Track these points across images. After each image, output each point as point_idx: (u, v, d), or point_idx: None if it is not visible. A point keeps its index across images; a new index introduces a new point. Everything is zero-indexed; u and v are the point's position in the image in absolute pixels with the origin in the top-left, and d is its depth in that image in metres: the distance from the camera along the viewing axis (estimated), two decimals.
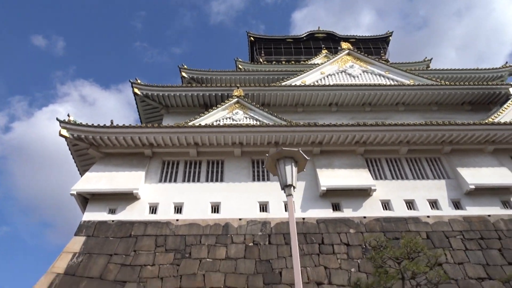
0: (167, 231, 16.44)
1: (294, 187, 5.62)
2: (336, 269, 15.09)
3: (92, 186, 17.49)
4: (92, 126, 18.52)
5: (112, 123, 18.62)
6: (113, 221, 16.85)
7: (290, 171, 5.52)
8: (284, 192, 5.72)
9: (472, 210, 17.61)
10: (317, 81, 26.13)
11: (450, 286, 14.62)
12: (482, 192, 18.12)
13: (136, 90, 24.33)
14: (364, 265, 15.26)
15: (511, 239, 16.45)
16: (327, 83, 25.56)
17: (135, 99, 25.21)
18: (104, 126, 18.47)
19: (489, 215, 17.42)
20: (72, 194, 17.21)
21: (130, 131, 18.43)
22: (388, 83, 25.59)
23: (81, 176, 19.40)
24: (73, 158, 19.89)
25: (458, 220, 17.19)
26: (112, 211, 17.34)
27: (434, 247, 16.06)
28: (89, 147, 18.98)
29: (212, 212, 17.44)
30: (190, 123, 20.04)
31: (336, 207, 17.75)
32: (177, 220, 16.95)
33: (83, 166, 20.15)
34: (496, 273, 15.10)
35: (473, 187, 17.80)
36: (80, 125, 18.58)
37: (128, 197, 17.55)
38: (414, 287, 8.32)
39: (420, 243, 8.64)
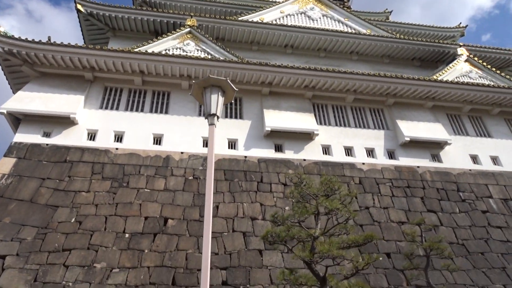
0: (105, 159, 16.03)
1: (218, 117, 5.48)
2: (271, 206, 15.71)
3: (25, 106, 16.35)
4: (26, 41, 16.89)
5: (49, 39, 17.08)
6: (47, 144, 16.08)
7: (216, 100, 5.35)
8: (207, 121, 5.58)
9: (404, 161, 18.74)
10: (276, 20, 25.33)
11: (373, 227, 15.83)
12: (415, 145, 19.22)
13: (79, 7, 22.27)
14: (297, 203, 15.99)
15: (433, 189, 17.87)
16: (286, 23, 24.88)
17: (78, 17, 23.16)
18: (40, 42, 16.92)
19: (418, 166, 18.65)
20: (1, 113, 16.04)
21: (69, 50, 17.07)
22: (346, 30, 25.40)
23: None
24: (5, 74, 18.30)
25: (389, 169, 18.27)
26: (46, 135, 16.48)
27: (364, 192, 17.12)
28: (22, 64, 17.46)
29: (154, 143, 17.13)
30: (137, 49, 18.88)
31: (278, 148, 18.10)
32: (116, 149, 16.51)
33: (16, 85, 18.67)
34: (415, 218, 16.47)
35: (408, 139, 18.78)
36: (12, 38, 16.88)
37: (65, 121, 16.69)
38: (329, 220, 8.80)
39: (336, 182, 8.98)
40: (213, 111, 5.28)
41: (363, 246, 8.30)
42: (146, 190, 15.31)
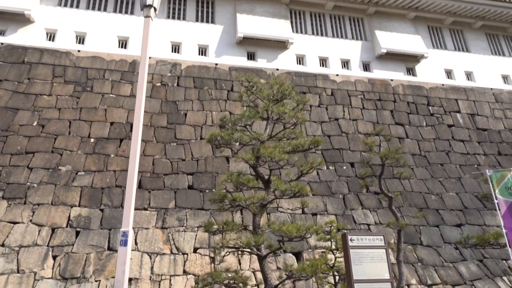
0: (66, 62, 15.20)
1: (155, 9, 4.96)
2: (239, 115, 15.59)
3: None
4: None
5: None
6: (2, 43, 15.01)
7: None
8: (143, 14, 5.06)
9: (378, 74, 18.48)
10: None
11: (340, 138, 16.10)
12: (391, 57, 18.82)
13: None
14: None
15: (404, 103, 17.96)
16: None
17: None
18: None
19: (391, 80, 18.49)
20: None
21: None
22: None
23: None
24: None
25: (363, 81, 18.07)
26: (1, 33, 15.31)
27: (335, 104, 17.09)
28: None
29: (119, 47, 16.22)
30: None
31: (251, 56, 17.47)
32: (78, 51, 15.59)
33: None
34: (383, 130, 16.78)
35: (384, 51, 18.31)
36: None
37: (20, 19, 15.41)
38: (274, 124, 8.76)
39: (288, 86, 8.76)
40: (149, 2, 4.73)
41: (309, 151, 8.35)
42: (111, 95, 14.85)
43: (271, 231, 7.39)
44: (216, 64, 16.67)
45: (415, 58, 19.10)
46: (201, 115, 15.21)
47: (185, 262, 11.07)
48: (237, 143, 8.33)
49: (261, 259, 7.18)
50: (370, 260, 5.40)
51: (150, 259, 11.02)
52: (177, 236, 11.73)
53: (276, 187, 7.40)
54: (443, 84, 19.09)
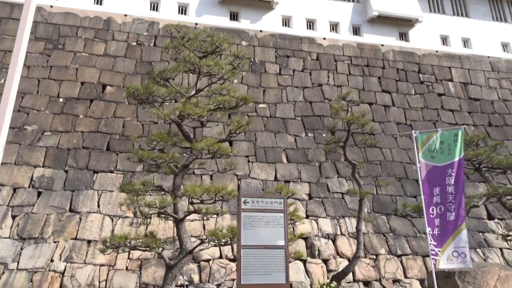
0: (38, 18, 14.56)
1: None
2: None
3: None
4: None
5: None
6: None
7: None
8: None
9: (368, 38, 17.61)
10: None
11: (322, 104, 15.52)
12: (384, 21, 17.85)
13: None
14: (247, 76, 15.35)
15: (393, 70, 17.19)
16: None
17: None
18: None
19: (382, 45, 17.62)
20: None
21: None
22: None
23: None
24: None
25: (351, 46, 17.24)
26: None
27: (320, 69, 16.38)
28: None
29: (94, 3, 15.49)
30: None
31: (234, 17, 16.66)
32: (51, 6, 14.93)
33: None
34: (367, 97, 16.16)
35: (376, 13, 17.35)
36: None
37: None
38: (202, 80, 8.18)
39: (224, 39, 8.14)
40: None
41: (237, 108, 7.84)
42: (83, 54, 14.30)
43: (182, 194, 6.97)
44: (196, 24, 15.92)
45: (409, 23, 18.12)
46: (178, 77, 14.64)
47: (147, 226, 10.89)
48: (167, 98, 7.80)
49: (178, 222, 6.87)
50: (265, 224, 4.97)
51: (112, 221, 10.85)
52: (141, 200, 11.49)
53: (194, 146, 6.95)
54: (437, 51, 18.18)
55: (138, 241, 6.88)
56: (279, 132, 14.34)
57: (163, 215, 7.27)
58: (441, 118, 16.39)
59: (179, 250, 6.81)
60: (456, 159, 6.14)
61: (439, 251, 5.78)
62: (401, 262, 11.50)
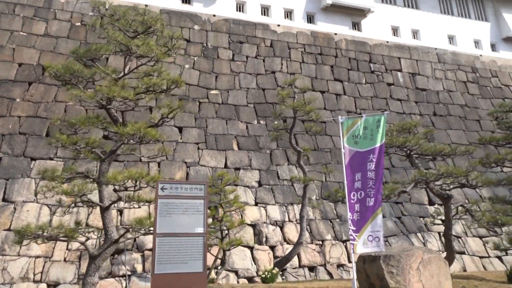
0: None
1: None
2: (169, 63, 14.58)
3: None
4: None
5: None
6: None
7: None
8: None
9: (322, 26, 17.71)
10: None
11: (274, 92, 15.47)
12: (338, 10, 18.01)
13: None
14: (199, 62, 15.01)
15: (345, 59, 17.42)
16: None
17: None
18: None
19: (335, 34, 17.79)
20: None
21: None
22: None
23: None
24: None
25: (305, 34, 17.27)
26: None
27: (274, 56, 16.30)
28: None
29: None
30: None
31: (186, 0, 16.17)
32: None
33: None
34: (320, 85, 16.32)
35: (330, 2, 17.45)
36: None
37: None
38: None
39: (156, 19, 7.86)
40: None
41: (168, 91, 7.62)
42: (21, 33, 13.36)
43: (106, 181, 6.68)
44: (146, 5, 15.28)
45: (362, 12, 18.39)
46: (118, 60, 14.05)
47: (89, 215, 10.47)
48: (90, 80, 7.43)
49: (103, 210, 6.63)
50: (183, 211, 4.87)
51: (50, 211, 10.33)
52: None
53: (119, 131, 6.68)
54: (387, 41, 18.62)
55: (58, 230, 6.53)
56: (230, 119, 14.19)
57: (87, 203, 6.96)
58: (390, 107, 16.86)
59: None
60: (378, 144, 6.19)
61: (356, 235, 5.89)
62: (346, 247, 11.81)
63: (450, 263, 9.27)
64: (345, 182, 6.29)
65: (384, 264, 5.31)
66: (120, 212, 10.79)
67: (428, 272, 5.38)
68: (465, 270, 12.34)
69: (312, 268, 11.15)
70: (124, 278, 9.52)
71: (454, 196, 14.14)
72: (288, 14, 17.49)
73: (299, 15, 17.52)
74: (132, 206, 6.97)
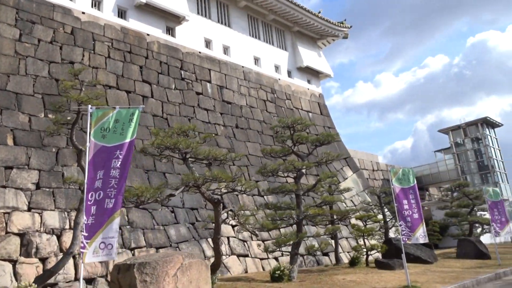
0: None
1: None
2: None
3: None
4: None
5: None
6: None
7: None
8: None
9: (135, 24, 16.92)
10: None
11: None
12: (152, 11, 17.56)
13: None
14: None
15: (156, 61, 17.01)
16: None
17: None
18: None
19: (148, 34, 17.24)
20: None
21: None
22: None
23: None
24: None
25: (114, 28, 16.15)
26: None
27: (74, 45, 14.60)
28: None
29: None
30: None
31: None
32: None
33: None
34: (126, 84, 15.42)
35: (144, 0, 16.85)
36: None
37: None
38: None
39: None
40: None
41: None
42: None
43: None
44: None
45: (177, 19, 18.41)
46: None
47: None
48: None
49: None
50: None
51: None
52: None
53: None
54: (200, 52, 19.13)
55: None
56: (8, 109, 11.87)
57: None
58: (197, 116, 17.21)
59: None
60: (128, 140, 5.80)
61: (87, 243, 5.25)
62: (133, 255, 11.15)
63: (218, 266, 9.64)
64: (85, 181, 5.49)
65: (138, 272, 4.90)
66: None
67: (186, 278, 5.24)
68: (246, 272, 13.26)
69: (91, 281, 10.05)
70: None
71: (237, 203, 15.26)
72: (97, 3, 16.07)
73: (109, 7, 16.30)
74: None
